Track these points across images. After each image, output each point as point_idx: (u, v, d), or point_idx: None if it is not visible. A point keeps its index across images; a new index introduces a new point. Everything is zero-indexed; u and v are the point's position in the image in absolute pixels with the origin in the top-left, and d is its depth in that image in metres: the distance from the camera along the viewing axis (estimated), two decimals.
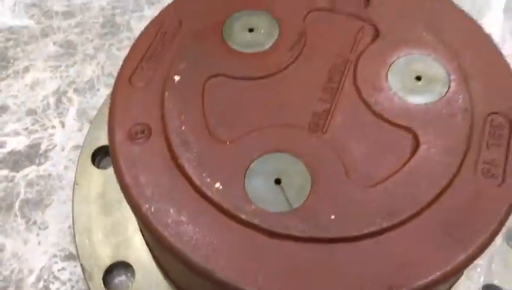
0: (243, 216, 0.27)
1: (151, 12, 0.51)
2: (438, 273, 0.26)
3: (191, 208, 0.27)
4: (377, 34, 0.33)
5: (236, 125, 0.30)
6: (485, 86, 0.31)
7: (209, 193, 0.28)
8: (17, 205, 0.41)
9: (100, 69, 0.48)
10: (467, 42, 0.33)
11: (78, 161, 0.40)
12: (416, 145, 0.29)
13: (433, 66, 0.32)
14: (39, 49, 0.49)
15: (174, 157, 0.29)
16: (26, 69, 0.48)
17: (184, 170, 0.28)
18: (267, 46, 0.33)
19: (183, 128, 0.30)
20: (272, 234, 0.26)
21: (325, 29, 0.34)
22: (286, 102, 0.31)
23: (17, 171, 0.43)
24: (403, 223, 0.27)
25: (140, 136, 0.30)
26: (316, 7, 0.35)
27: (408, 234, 0.27)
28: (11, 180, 0.42)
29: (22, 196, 0.42)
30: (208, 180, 0.28)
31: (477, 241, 0.27)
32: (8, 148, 0.44)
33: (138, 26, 0.50)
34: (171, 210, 0.27)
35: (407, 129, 0.30)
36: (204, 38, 0.33)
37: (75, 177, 0.39)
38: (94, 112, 0.45)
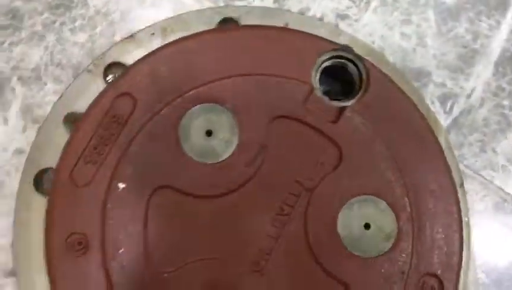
0: None
1: None
2: None
3: None
4: (339, 161, 0.32)
5: (177, 254, 0.30)
6: (428, 244, 0.31)
7: None
8: None
9: (49, 55, 0.43)
10: (426, 190, 0.32)
11: (19, 183, 0.39)
12: None
13: (385, 214, 0.31)
14: None
15: (109, 283, 0.29)
16: None
17: None
18: (224, 157, 0.31)
19: (121, 250, 0.30)
20: None
21: (288, 143, 0.32)
22: (233, 231, 0.31)
23: None
24: None
25: (77, 248, 0.30)
26: (282, 114, 0.31)
27: None
28: None
29: None
30: None
31: None
32: None
33: (93, 2, 0.44)
34: None
35: (342, 283, 0.31)
36: (158, 137, 0.30)
37: (16, 203, 0.39)
38: (39, 111, 0.42)
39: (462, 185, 0.40)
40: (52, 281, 0.29)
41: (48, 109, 0.43)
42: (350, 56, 0.33)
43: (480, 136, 0.45)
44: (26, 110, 0.42)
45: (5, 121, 0.42)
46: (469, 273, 0.39)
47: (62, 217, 0.29)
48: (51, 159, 0.36)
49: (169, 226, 0.30)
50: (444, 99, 0.46)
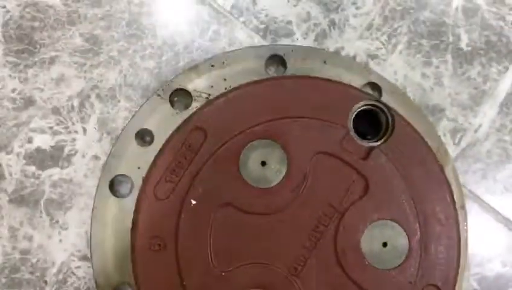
0: None
1: (176, 18, 0.52)
2: None
3: None
4: (365, 191, 0.40)
5: (233, 257, 0.38)
6: (432, 261, 0.39)
7: None
8: (42, 203, 0.50)
9: (123, 78, 0.51)
10: (434, 218, 0.39)
11: (97, 186, 0.48)
12: None
13: (399, 235, 0.39)
14: (65, 38, 0.51)
15: (180, 276, 0.38)
16: (52, 60, 0.51)
17: None
18: (274, 183, 0.39)
19: (191, 253, 0.38)
20: None
21: (326, 174, 0.40)
22: (278, 243, 0.39)
23: (43, 170, 0.50)
24: None
25: (156, 248, 0.38)
26: (323, 151, 0.40)
27: None
28: (37, 178, 0.50)
29: (46, 196, 0.50)
30: None
31: None
32: (35, 145, 0.50)
33: (161, 34, 0.52)
34: None
35: (361, 288, 0.39)
36: (223, 164, 0.38)
37: (95, 200, 0.47)
38: (113, 124, 0.50)
39: (463, 207, 0.48)
40: (136, 271, 0.38)
41: (121, 122, 0.51)
42: (380, 106, 0.41)
43: (483, 165, 0.53)
44: (102, 123, 0.50)
45: (85, 131, 0.50)
46: (463, 281, 0.48)
47: (146, 223, 0.38)
48: (124, 167, 0.45)
49: (228, 235, 0.38)
50: (454, 132, 0.53)
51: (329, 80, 0.40)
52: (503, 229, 0.53)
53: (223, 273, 0.38)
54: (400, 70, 0.53)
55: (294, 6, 0.53)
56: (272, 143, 0.39)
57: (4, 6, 0.50)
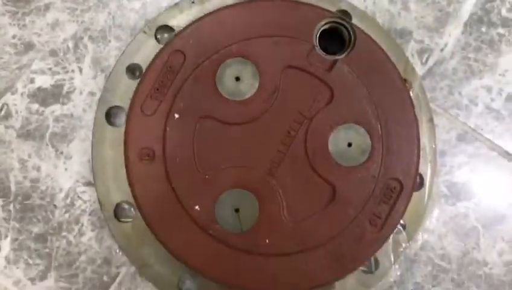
0: (210, 232, 0.43)
1: None
2: (321, 283, 0.44)
3: (179, 221, 0.43)
4: (331, 99, 0.44)
5: (215, 162, 0.43)
6: (393, 157, 0.44)
7: (191, 212, 0.43)
8: (47, 136, 0.55)
9: (111, 20, 0.56)
10: (394, 120, 0.44)
11: (95, 118, 0.53)
12: (333, 196, 0.44)
13: (362, 136, 0.44)
14: None
15: (169, 180, 0.43)
16: (47, 7, 0.56)
17: (175, 192, 0.43)
18: (248, 96, 0.44)
19: (177, 160, 0.43)
20: (226, 244, 0.43)
21: (294, 86, 0.44)
22: (254, 148, 0.44)
23: (46, 107, 0.55)
24: (310, 249, 0.44)
25: (147, 159, 0.43)
26: (291, 64, 0.44)
27: (310, 257, 0.44)
28: (41, 114, 0.55)
29: (50, 130, 0.55)
30: (191, 202, 0.43)
31: (352, 266, 0.44)
32: (36, 85, 0.55)
33: None
34: (167, 220, 0.42)
35: (330, 184, 0.44)
36: (201, 82, 0.43)
37: (93, 130, 0.53)
38: (105, 63, 0.55)
39: (431, 120, 0.52)
40: (130, 181, 0.43)
41: (112, 61, 0.56)
42: (342, 22, 0.45)
43: (450, 82, 0.57)
44: (96, 62, 0.55)
45: (80, 70, 0.55)
46: (434, 186, 0.52)
47: (135, 137, 0.43)
48: (117, 99, 0.50)
49: (209, 143, 0.43)
50: (421, 53, 0.57)
51: (296, 2, 0.45)
52: (471, 138, 0.57)
53: (207, 176, 0.43)
54: None
55: None
56: (244, 61, 0.44)
57: None
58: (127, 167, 0.43)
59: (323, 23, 0.44)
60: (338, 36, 0.46)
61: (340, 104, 0.44)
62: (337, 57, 0.45)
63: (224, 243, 0.42)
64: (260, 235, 0.42)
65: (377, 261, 0.48)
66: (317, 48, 0.44)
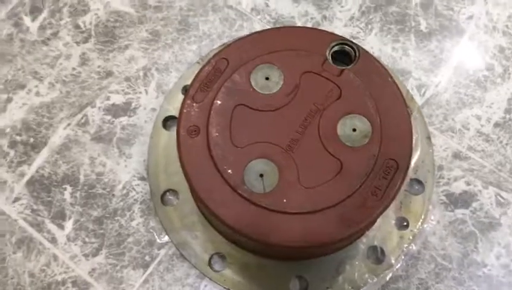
0: (239, 191, 0.53)
1: (212, 18, 0.74)
2: (329, 240, 0.52)
3: (215, 182, 0.54)
4: (339, 95, 0.57)
5: (246, 138, 0.55)
6: (390, 141, 0.55)
7: (225, 175, 0.54)
8: (114, 140, 0.69)
9: (174, 57, 0.72)
10: (389, 111, 0.56)
11: (154, 123, 0.67)
12: (340, 169, 0.54)
13: (364, 124, 0.55)
14: (136, 33, 0.73)
15: (209, 150, 0.55)
16: (126, 47, 0.73)
17: (214, 159, 0.54)
18: (274, 90, 0.57)
19: (217, 134, 0.55)
20: (251, 202, 0.53)
21: (311, 85, 0.57)
22: (277, 129, 0.56)
23: (116, 118, 0.70)
24: (318, 211, 0.53)
25: (194, 134, 0.56)
26: (308, 70, 0.58)
27: (320, 217, 0.53)
28: (112, 123, 0.69)
29: (117, 135, 0.69)
30: (225, 167, 0.54)
31: (357, 227, 0.53)
32: (111, 102, 0.70)
33: (202, 28, 0.73)
34: (206, 181, 0.53)
35: (338, 159, 0.55)
36: (239, 79, 0.57)
37: (151, 133, 0.66)
38: (166, 87, 0.70)
39: (428, 137, 0.63)
40: (179, 150, 0.55)
41: (172, 85, 0.72)
42: (350, 43, 0.59)
43: (444, 110, 0.69)
44: (159, 86, 0.70)
45: (146, 92, 0.70)
46: (434, 194, 0.61)
47: (186, 117, 0.56)
48: (173, 111, 0.64)
49: (242, 124, 0.56)
50: (419, 87, 0.70)
51: (315, 29, 0.60)
52: (465, 156, 0.67)
53: (239, 148, 0.55)
54: (375, 46, 0.72)
55: (296, 6, 0.74)
56: (272, 66, 0.58)
57: (96, 13, 0.74)
58: (178, 140, 0.55)
59: (335, 43, 0.59)
60: (345, 57, 0.60)
61: (347, 99, 0.56)
62: (345, 67, 0.58)
63: (250, 201, 0.52)
64: (279, 196, 0.52)
65: (383, 252, 0.57)
66: (330, 60, 0.58)
